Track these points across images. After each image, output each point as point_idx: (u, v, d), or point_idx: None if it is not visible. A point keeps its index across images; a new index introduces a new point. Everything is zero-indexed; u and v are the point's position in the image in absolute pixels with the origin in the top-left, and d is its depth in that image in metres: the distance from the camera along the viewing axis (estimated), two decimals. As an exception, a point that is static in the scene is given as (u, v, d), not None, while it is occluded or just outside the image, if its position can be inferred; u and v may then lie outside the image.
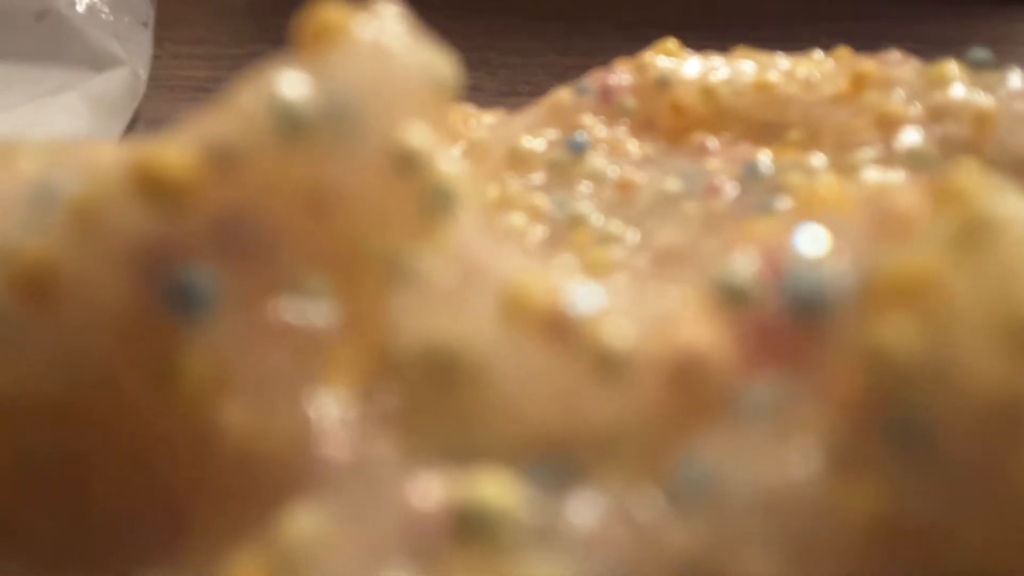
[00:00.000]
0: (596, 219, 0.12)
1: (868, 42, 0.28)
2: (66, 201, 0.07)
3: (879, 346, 0.06)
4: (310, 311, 0.07)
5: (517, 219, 0.13)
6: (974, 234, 0.06)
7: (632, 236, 0.12)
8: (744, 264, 0.07)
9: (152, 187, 0.07)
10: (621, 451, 0.07)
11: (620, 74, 0.14)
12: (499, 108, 0.16)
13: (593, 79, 0.14)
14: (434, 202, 0.07)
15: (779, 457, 0.06)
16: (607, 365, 0.07)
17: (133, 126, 0.26)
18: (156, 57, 0.27)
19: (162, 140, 0.07)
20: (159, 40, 0.28)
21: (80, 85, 0.25)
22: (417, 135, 0.07)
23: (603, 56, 0.28)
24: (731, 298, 0.07)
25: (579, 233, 0.12)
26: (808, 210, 0.08)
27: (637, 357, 0.07)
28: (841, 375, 0.06)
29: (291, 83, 0.07)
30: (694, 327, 0.07)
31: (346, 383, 0.07)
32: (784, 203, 0.11)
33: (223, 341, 0.07)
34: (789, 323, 0.07)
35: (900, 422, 0.06)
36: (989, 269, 0.06)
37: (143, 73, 0.27)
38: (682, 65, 0.14)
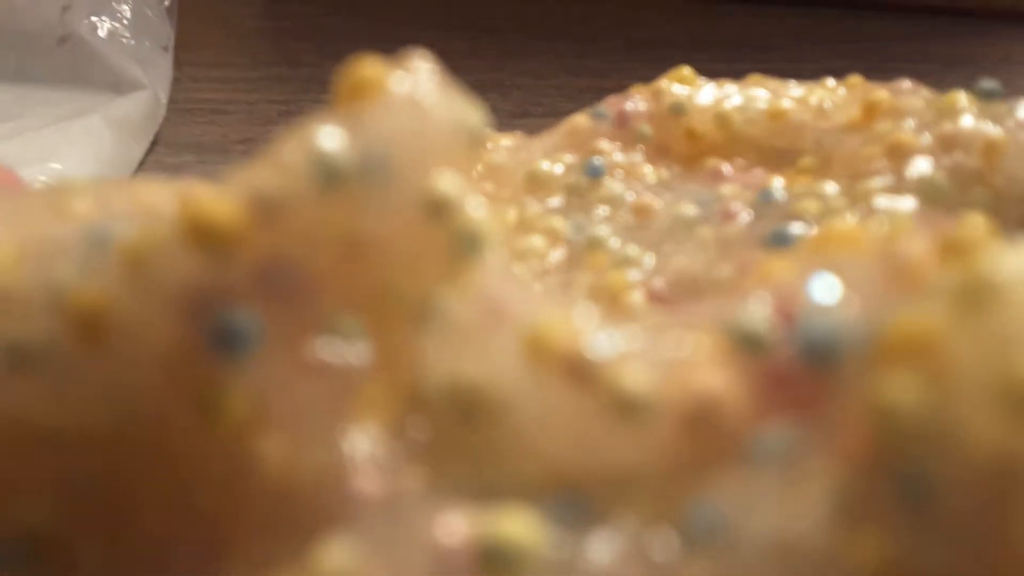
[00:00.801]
0: (613, 242, 0.13)
1: (877, 61, 0.28)
2: (119, 246, 0.07)
3: (886, 402, 0.06)
4: (344, 350, 0.07)
5: (536, 241, 0.13)
6: (977, 295, 0.06)
7: (648, 260, 0.12)
8: (758, 310, 0.07)
9: (201, 235, 0.07)
10: (637, 492, 0.07)
11: (636, 100, 0.14)
12: (513, 129, 0.17)
13: (609, 104, 0.14)
14: (462, 246, 0.08)
15: (789, 504, 0.06)
16: (625, 408, 0.07)
17: (153, 148, 0.26)
18: (175, 80, 0.27)
19: (210, 189, 0.08)
20: (178, 63, 0.28)
21: (102, 108, 0.25)
22: (447, 183, 0.08)
23: (615, 76, 0.28)
24: (745, 344, 0.07)
25: (597, 256, 0.12)
26: (821, 251, 0.08)
27: (654, 401, 0.07)
28: (851, 425, 0.06)
29: (329, 137, 0.07)
30: (709, 372, 0.07)
31: (377, 419, 0.07)
32: (797, 229, 0.11)
33: (263, 379, 0.07)
34: (801, 371, 0.07)
35: (906, 476, 0.06)
36: (990, 331, 0.06)
37: (163, 96, 0.27)
38: (696, 92, 0.14)
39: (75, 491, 0.08)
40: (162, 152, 0.26)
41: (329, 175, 0.07)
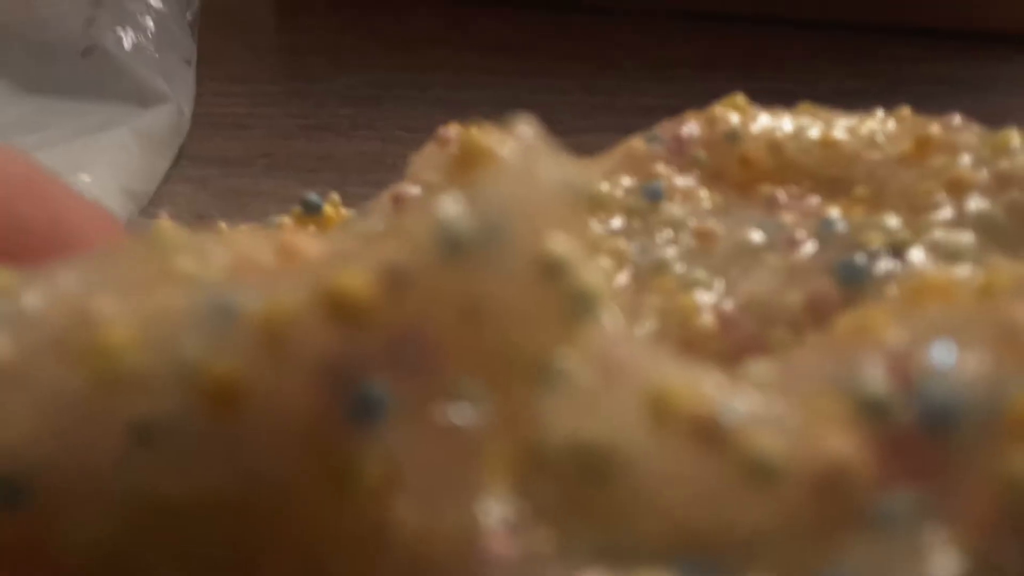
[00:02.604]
0: (679, 266, 0.13)
1: (889, 84, 0.29)
2: (251, 319, 0.07)
3: (1013, 475, 0.06)
4: (469, 414, 0.08)
5: (603, 263, 0.13)
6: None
7: (717, 283, 0.12)
8: (878, 376, 0.07)
9: (336, 307, 0.07)
10: (768, 554, 0.07)
11: (691, 126, 0.14)
12: None
13: (664, 130, 0.15)
14: (578, 307, 0.08)
15: (917, 569, 0.07)
16: (758, 472, 0.07)
17: (177, 161, 0.26)
18: (198, 94, 0.27)
19: (340, 262, 0.08)
20: (200, 77, 0.28)
21: (128, 120, 0.25)
22: (560, 245, 0.08)
23: (626, 95, 0.28)
24: (867, 410, 0.07)
25: (663, 279, 0.13)
26: (917, 303, 0.08)
27: (786, 466, 0.07)
28: (975, 492, 0.07)
29: (450, 208, 0.08)
30: (836, 438, 0.07)
31: (503, 481, 0.07)
32: (863, 260, 0.12)
33: (395, 445, 0.07)
34: (923, 437, 0.07)
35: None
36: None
37: (187, 110, 0.27)
38: (750, 120, 0.14)
39: (204, 561, 0.08)
40: (186, 165, 0.26)
41: (452, 245, 0.07)
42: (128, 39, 0.27)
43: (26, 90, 0.27)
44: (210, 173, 0.26)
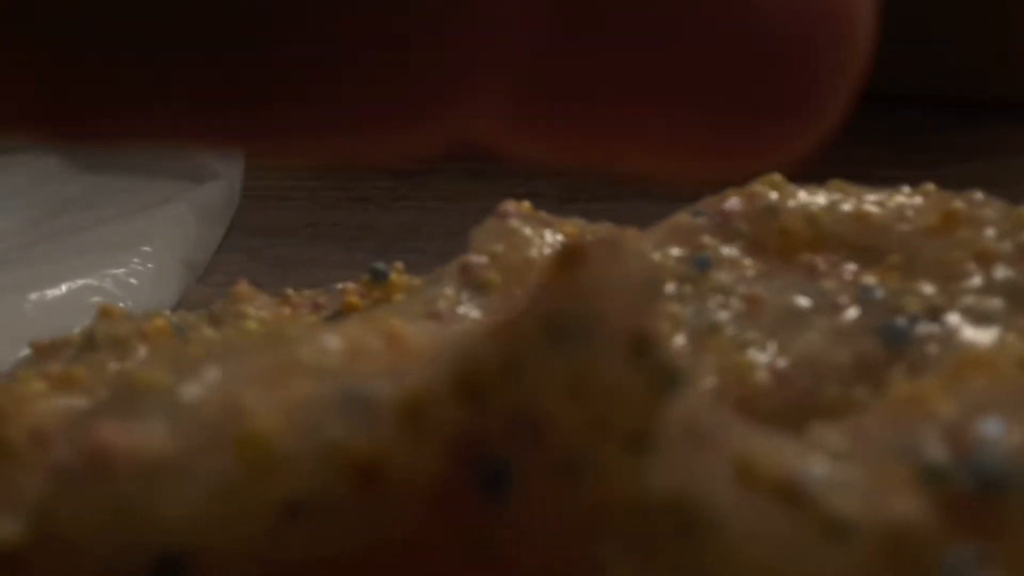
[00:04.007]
0: (731, 328, 0.14)
1: (896, 153, 0.30)
2: (386, 403, 0.08)
3: None
4: (581, 477, 0.09)
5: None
6: None
7: (769, 343, 0.13)
8: (938, 447, 0.08)
9: (464, 391, 0.08)
10: None
11: (732, 202, 0.16)
12: (564, 213, 0.18)
13: (707, 205, 0.16)
14: (666, 381, 0.09)
15: None
16: (835, 530, 0.08)
17: (229, 233, 0.27)
18: (246, 168, 0.29)
19: (465, 351, 0.09)
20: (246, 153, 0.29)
21: (186, 196, 0.26)
22: (647, 328, 0.09)
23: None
24: (930, 476, 0.08)
25: (718, 340, 0.14)
26: (965, 376, 0.09)
27: (860, 525, 0.08)
28: None
29: (554, 300, 0.09)
30: (904, 500, 0.08)
31: (617, 536, 0.09)
32: (904, 322, 0.13)
33: (520, 508, 0.08)
34: (979, 500, 0.08)
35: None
36: None
37: (237, 184, 0.28)
38: (787, 196, 0.15)
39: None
40: (236, 236, 0.27)
41: (558, 333, 0.08)
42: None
43: (83, 169, 0.28)
44: (259, 243, 0.27)
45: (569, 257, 0.09)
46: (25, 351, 0.15)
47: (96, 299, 0.22)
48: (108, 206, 0.26)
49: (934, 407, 0.09)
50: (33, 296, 0.22)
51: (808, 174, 0.18)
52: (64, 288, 0.23)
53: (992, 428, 0.08)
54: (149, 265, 0.23)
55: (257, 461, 0.09)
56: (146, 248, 0.24)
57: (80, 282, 0.23)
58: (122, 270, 0.23)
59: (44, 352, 0.15)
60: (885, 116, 0.33)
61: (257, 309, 0.16)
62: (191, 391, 0.09)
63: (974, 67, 0.34)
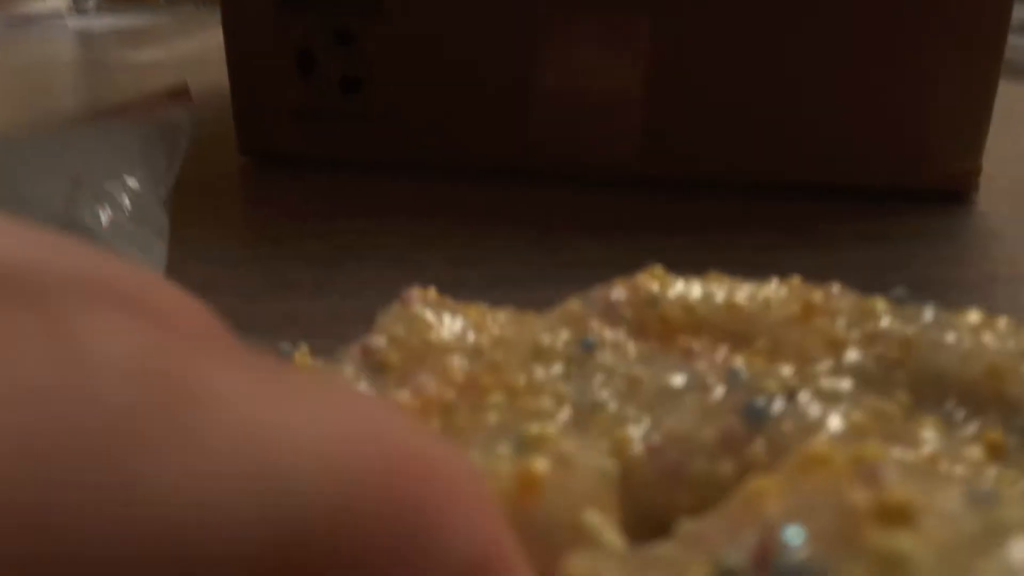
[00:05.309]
0: (612, 405, 0.15)
1: (801, 239, 0.31)
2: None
3: None
4: None
5: (545, 402, 0.15)
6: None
7: (644, 419, 0.14)
8: (739, 550, 0.09)
9: None
10: None
11: (618, 291, 0.17)
12: (486, 297, 0.18)
13: (596, 294, 0.17)
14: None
15: None
16: None
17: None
18: (172, 260, 0.28)
19: None
20: (175, 243, 0.29)
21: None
22: (592, 517, 0.10)
23: (567, 253, 0.30)
24: None
25: (600, 416, 0.14)
26: (803, 474, 0.10)
27: None
28: None
29: None
30: None
31: None
32: (762, 402, 0.13)
33: None
34: None
35: None
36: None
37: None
38: (667, 287, 0.16)
39: None
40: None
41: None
42: (105, 216, 0.27)
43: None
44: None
45: (526, 483, 0.10)
46: None
47: None
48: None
49: (765, 509, 0.10)
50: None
51: (706, 260, 0.19)
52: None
53: (792, 537, 0.09)
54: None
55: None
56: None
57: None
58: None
59: None
60: (785, 202, 0.35)
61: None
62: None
63: (870, 155, 0.35)
